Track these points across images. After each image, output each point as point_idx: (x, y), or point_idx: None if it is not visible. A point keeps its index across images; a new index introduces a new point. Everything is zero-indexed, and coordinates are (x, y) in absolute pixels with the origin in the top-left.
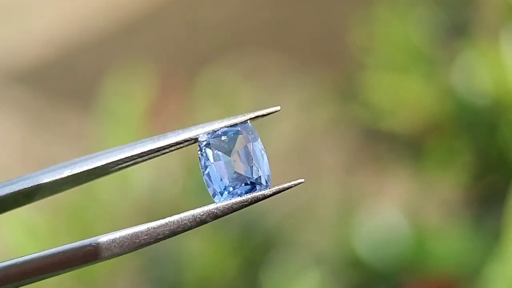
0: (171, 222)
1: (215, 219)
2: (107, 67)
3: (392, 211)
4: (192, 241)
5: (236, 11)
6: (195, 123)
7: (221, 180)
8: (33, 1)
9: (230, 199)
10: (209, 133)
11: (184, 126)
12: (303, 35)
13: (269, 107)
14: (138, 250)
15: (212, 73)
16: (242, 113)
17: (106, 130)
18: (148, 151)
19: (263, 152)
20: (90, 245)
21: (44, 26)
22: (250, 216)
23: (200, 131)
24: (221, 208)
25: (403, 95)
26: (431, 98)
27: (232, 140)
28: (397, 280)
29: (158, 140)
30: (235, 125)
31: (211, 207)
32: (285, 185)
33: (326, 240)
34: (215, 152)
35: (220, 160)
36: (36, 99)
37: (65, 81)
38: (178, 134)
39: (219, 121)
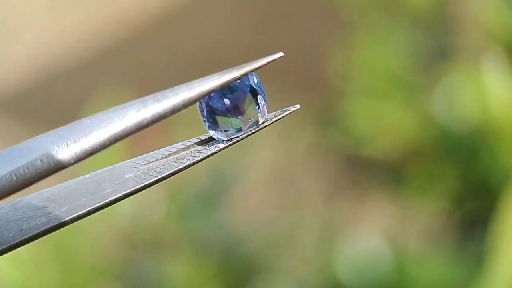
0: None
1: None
2: (87, 94)
3: (373, 237)
4: (174, 266)
5: (215, 37)
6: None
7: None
8: (12, 29)
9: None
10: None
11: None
12: (282, 61)
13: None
14: (120, 276)
15: None
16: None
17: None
18: (149, 119)
19: (264, 102)
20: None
21: (23, 53)
22: (232, 241)
23: (205, 88)
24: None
25: (383, 121)
26: (412, 124)
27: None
28: None
29: (159, 100)
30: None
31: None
32: (283, 113)
33: (308, 266)
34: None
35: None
36: (16, 126)
37: (44, 108)
38: (184, 91)
39: (220, 76)
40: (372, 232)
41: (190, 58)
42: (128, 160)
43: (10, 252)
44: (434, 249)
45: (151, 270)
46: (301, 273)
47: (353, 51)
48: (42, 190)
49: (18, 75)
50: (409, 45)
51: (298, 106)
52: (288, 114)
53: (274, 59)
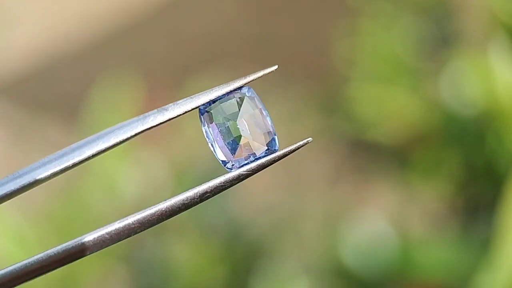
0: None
1: (231, 186)
2: (89, 80)
3: (378, 221)
4: (179, 249)
5: (219, 23)
6: (182, 131)
7: (227, 148)
8: (14, 14)
9: (241, 166)
10: (210, 102)
11: (172, 135)
12: (287, 48)
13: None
14: (126, 258)
15: (196, 84)
16: None
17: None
18: (153, 126)
19: (265, 114)
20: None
21: (25, 38)
22: (236, 225)
23: (202, 101)
24: (229, 179)
25: (388, 106)
26: (417, 109)
27: (234, 105)
28: None
29: (162, 113)
30: (234, 90)
31: (219, 180)
32: (293, 147)
33: (312, 250)
34: (218, 119)
35: (223, 127)
36: (17, 112)
37: (46, 93)
38: (179, 105)
39: (218, 88)
40: (377, 216)
41: (193, 45)
42: None
43: (15, 232)
44: (439, 233)
45: (156, 253)
46: (306, 257)
47: (357, 37)
48: None
49: (21, 61)
50: (414, 31)
51: (311, 139)
52: (299, 147)
53: (268, 73)
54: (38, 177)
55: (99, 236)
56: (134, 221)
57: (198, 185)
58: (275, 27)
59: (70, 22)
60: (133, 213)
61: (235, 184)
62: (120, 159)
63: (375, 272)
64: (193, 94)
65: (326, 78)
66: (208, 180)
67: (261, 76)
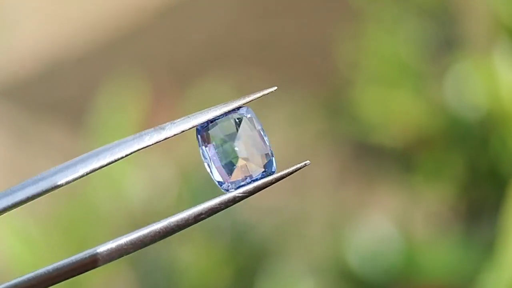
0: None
1: (226, 207)
2: (92, 82)
3: (383, 223)
4: (185, 250)
5: (223, 26)
6: (187, 133)
7: (224, 169)
8: (17, 16)
9: (237, 188)
10: (208, 121)
11: (177, 137)
12: (291, 50)
13: (267, 89)
14: (131, 261)
15: (201, 87)
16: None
17: (99, 142)
18: (149, 145)
19: (263, 134)
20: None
21: (29, 40)
22: (242, 227)
23: (199, 121)
24: (224, 201)
25: (392, 109)
26: (420, 112)
27: (232, 126)
28: None
29: (159, 132)
30: (233, 110)
31: (214, 202)
32: (290, 169)
33: (317, 251)
34: (216, 138)
35: (221, 148)
36: (21, 114)
37: (50, 96)
38: (176, 125)
39: (216, 108)
40: (381, 219)
41: (197, 47)
42: None
43: (22, 232)
44: (443, 235)
45: (162, 255)
46: (311, 259)
47: (361, 40)
48: None
49: (24, 64)
50: (418, 34)
51: (309, 162)
52: (297, 170)
53: (267, 93)
54: (19, 199)
55: (90, 255)
56: (127, 242)
57: (193, 206)
58: (279, 29)
59: (74, 25)
60: (139, 216)
61: (230, 206)
62: (127, 162)
63: (379, 273)
64: (191, 114)
65: (330, 81)
66: (203, 202)
67: (260, 97)
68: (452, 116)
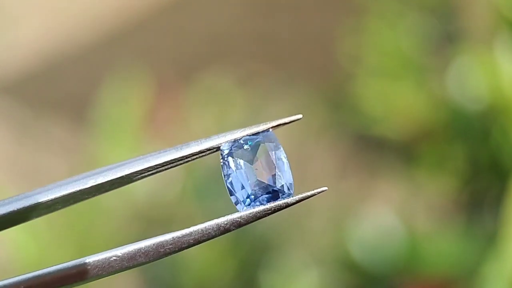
0: (195, 231)
1: (239, 227)
2: (94, 78)
3: (386, 215)
4: None
5: (226, 22)
6: (190, 128)
7: (243, 188)
8: (19, 12)
9: (253, 208)
10: (231, 142)
11: (180, 132)
12: (293, 45)
13: (292, 116)
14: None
15: (204, 81)
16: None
17: (103, 136)
18: (171, 160)
19: (285, 160)
20: (115, 255)
21: (30, 36)
22: None
23: (223, 140)
24: (244, 217)
25: (393, 102)
26: (422, 104)
27: (254, 149)
28: (391, 282)
29: (181, 149)
30: (257, 133)
31: (234, 216)
32: (308, 193)
33: (320, 243)
34: (237, 160)
35: (242, 168)
36: (22, 110)
37: (52, 92)
38: (201, 143)
39: (242, 130)
40: (383, 211)
41: (199, 42)
42: None
43: (29, 226)
44: (445, 227)
45: None
46: (314, 251)
47: (363, 34)
48: None
49: (27, 60)
50: (420, 28)
51: (326, 188)
52: (314, 195)
53: (291, 121)
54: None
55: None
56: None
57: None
58: (281, 24)
59: (77, 20)
60: (144, 209)
61: (243, 226)
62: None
63: (382, 265)
64: (217, 134)
65: (332, 74)
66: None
67: (287, 123)
68: (453, 109)
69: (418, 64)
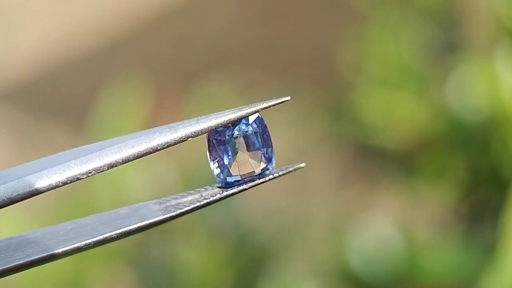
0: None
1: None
2: (94, 85)
3: (385, 225)
4: (186, 252)
5: (226, 30)
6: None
7: (228, 170)
8: (20, 19)
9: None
10: (217, 125)
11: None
12: (293, 53)
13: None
14: (132, 261)
15: (204, 89)
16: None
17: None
18: (157, 145)
19: (270, 141)
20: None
21: (31, 43)
22: (244, 228)
23: (208, 124)
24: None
25: (394, 112)
26: (423, 114)
27: (240, 131)
28: None
29: (171, 132)
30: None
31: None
32: (288, 169)
33: (319, 253)
34: (223, 143)
35: (228, 150)
36: (23, 117)
37: (52, 98)
38: (186, 126)
39: (227, 112)
40: (383, 221)
41: (200, 50)
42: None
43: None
44: (444, 238)
45: (163, 255)
46: (312, 261)
47: (364, 43)
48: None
49: (27, 66)
50: (421, 37)
51: (303, 164)
52: (293, 170)
53: (282, 102)
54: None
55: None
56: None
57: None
58: (282, 32)
59: (77, 27)
60: None
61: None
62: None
63: (381, 276)
64: (200, 116)
65: (333, 83)
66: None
67: (275, 105)
68: (454, 119)
69: (419, 73)
